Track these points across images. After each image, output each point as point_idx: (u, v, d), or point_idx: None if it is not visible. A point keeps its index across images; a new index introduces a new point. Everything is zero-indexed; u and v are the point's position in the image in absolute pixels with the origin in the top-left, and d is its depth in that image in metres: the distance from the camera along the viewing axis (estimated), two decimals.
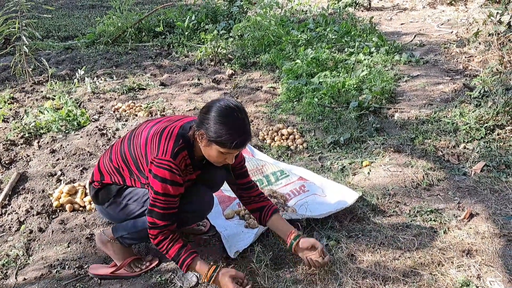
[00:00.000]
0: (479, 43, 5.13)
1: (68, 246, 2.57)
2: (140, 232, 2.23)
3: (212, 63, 5.73)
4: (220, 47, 5.81)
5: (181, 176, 2.05)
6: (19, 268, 2.42)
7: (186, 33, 6.84)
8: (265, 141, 3.68)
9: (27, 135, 3.85)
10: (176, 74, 5.45)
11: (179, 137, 2.07)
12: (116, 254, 2.34)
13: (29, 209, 2.87)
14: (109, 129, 3.93)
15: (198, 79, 5.20)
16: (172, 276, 2.30)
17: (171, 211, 2.06)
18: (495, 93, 3.58)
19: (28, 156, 3.57)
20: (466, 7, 7.74)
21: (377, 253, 2.36)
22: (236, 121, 1.97)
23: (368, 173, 3.11)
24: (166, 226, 2.07)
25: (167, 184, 2.01)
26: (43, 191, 3.09)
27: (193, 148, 2.10)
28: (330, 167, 3.25)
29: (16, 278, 2.35)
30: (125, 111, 4.33)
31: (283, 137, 3.67)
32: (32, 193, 3.05)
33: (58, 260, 2.46)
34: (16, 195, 3.06)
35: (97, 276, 2.33)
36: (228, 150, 1.99)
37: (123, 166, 2.23)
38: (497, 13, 4.71)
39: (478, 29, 5.12)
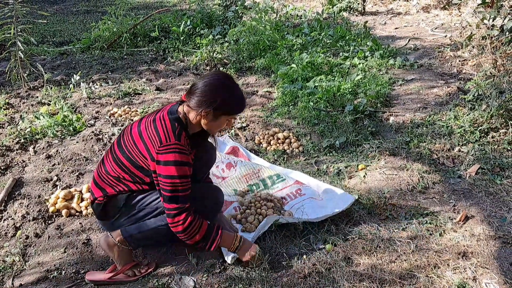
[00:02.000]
0: (473, 47, 5.17)
1: (65, 251, 2.56)
2: (151, 230, 2.26)
3: (208, 68, 5.74)
4: (216, 52, 5.82)
5: (189, 156, 2.15)
6: (16, 274, 2.42)
7: (182, 38, 6.85)
8: (261, 145, 3.69)
9: (22, 140, 3.84)
10: (171, 79, 5.45)
11: (173, 121, 2.16)
12: (119, 258, 2.33)
13: (25, 215, 2.86)
14: (105, 134, 3.93)
15: None
16: (169, 281, 2.30)
17: (189, 192, 2.13)
18: (489, 96, 3.61)
19: (24, 161, 3.56)
20: (459, 11, 7.80)
21: (374, 256, 2.37)
22: (235, 88, 2.21)
23: (364, 176, 3.12)
24: (191, 206, 2.14)
25: (181, 166, 2.08)
26: (39, 196, 3.08)
27: (187, 129, 2.20)
28: (326, 171, 3.26)
29: (12, 284, 2.34)
30: (121, 116, 4.33)
31: (279, 141, 3.68)
32: (28, 198, 3.05)
33: (54, 265, 2.45)
34: (12, 200, 3.05)
35: (95, 282, 2.33)
36: (234, 115, 2.27)
37: (122, 174, 2.24)
38: (490, 17, 4.75)
39: (471, 33, 5.16)
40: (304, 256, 2.39)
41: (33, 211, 2.90)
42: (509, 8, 4.55)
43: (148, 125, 2.18)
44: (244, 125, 4.03)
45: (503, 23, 4.71)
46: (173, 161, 2.07)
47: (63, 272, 2.41)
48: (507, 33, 4.51)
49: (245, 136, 3.83)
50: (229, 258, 2.36)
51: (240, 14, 7.28)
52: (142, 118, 2.30)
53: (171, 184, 2.08)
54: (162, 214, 2.26)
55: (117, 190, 2.28)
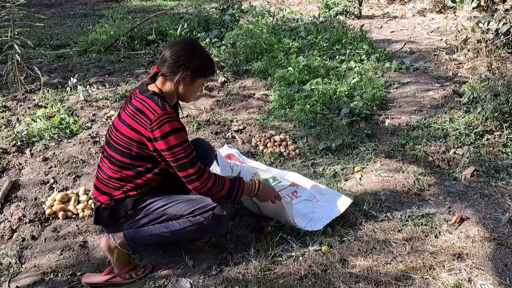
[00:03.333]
0: (468, 50, 5.20)
1: (61, 254, 2.56)
2: (154, 237, 2.27)
3: None
4: (213, 55, 5.83)
5: (180, 121, 2.20)
6: (12, 276, 2.42)
7: None
8: (257, 147, 3.70)
9: (19, 143, 3.84)
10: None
11: (151, 96, 2.19)
12: (118, 261, 2.31)
13: (22, 217, 2.86)
14: (102, 137, 3.93)
15: None
16: (166, 283, 2.31)
17: (194, 153, 2.18)
18: (484, 99, 3.64)
19: (21, 164, 3.56)
20: (455, 15, 7.84)
21: (370, 257, 2.38)
22: (204, 50, 2.29)
23: (360, 178, 3.14)
24: (203, 166, 2.19)
25: (178, 133, 2.12)
26: (35, 199, 3.08)
27: (166, 100, 2.23)
28: (323, 173, 3.27)
29: (9, 286, 2.34)
30: None
31: (276, 143, 3.69)
32: (25, 201, 3.05)
33: (51, 267, 2.45)
34: (9, 203, 3.05)
35: (91, 284, 2.33)
36: (208, 78, 2.37)
37: (124, 172, 2.25)
38: (485, 21, 4.79)
39: (466, 36, 5.19)
40: (300, 258, 2.40)
41: (29, 213, 2.90)
42: (503, 12, 4.59)
43: (130, 113, 2.19)
44: (240, 127, 4.05)
45: (497, 27, 4.75)
46: (170, 130, 2.10)
47: (60, 274, 2.41)
48: (502, 36, 4.55)
49: (241, 138, 3.84)
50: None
51: (237, 18, 7.29)
52: (119, 113, 2.31)
53: (177, 153, 2.11)
54: (166, 222, 2.26)
55: (124, 191, 2.27)
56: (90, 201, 2.98)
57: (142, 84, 2.31)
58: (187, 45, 2.24)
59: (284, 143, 3.68)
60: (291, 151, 3.60)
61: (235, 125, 4.08)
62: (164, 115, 2.11)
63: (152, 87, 2.24)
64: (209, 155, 2.69)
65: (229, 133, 3.96)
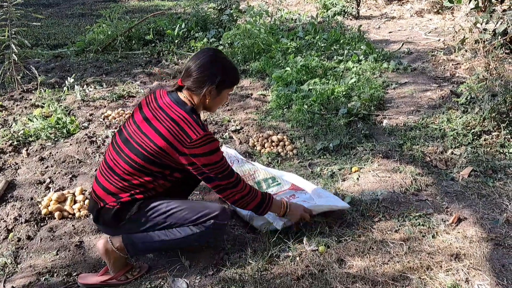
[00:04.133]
0: (466, 51, 5.20)
1: (57, 254, 2.55)
2: (156, 243, 2.25)
3: None
4: None
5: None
6: (7, 276, 2.40)
7: (176, 41, 6.85)
8: (255, 147, 3.69)
9: (15, 143, 3.82)
10: (166, 81, 5.45)
11: (190, 113, 2.20)
12: (114, 264, 2.28)
13: (18, 217, 2.85)
14: (99, 137, 3.92)
15: None
16: (162, 283, 2.29)
17: (230, 165, 2.30)
18: (481, 99, 3.64)
19: (17, 164, 3.54)
20: (452, 16, 7.86)
21: (367, 257, 2.37)
22: (228, 60, 2.31)
23: (357, 178, 3.13)
24: (239, 176, 2.30)
25: (218, 151, 2.21)
26: (31, 198, 3.07)
27: (196, 112, 2.27)
28: (320, 173, 3.26)
29: (4, 286, 2.32)
30: (115, 118, 4.32)
31: (273, 143, 3.68)
32: (21, 201, 3.03)
33: (46, 268, 2.44)
34: (4, 203, 3.03)
35: (87, 285, 2.31)
36: (234, 87, 2.41)
37: (140, 176, 2.20)
38: (483, 21, 4.79)
39: (464, 37, 5.20)
40: (297, 258, 2.40)
41: (25, 213, 2.88)
42: (501, 12, 4.59)
43: (163, 121, 2.17)
44: (238, 127, 4.04)
45: (495, 27, 4.75)
46: (211, 151, 2.16)
47: (55, 274, 2.40)
48: (499, 37, 4.56)
49: (239, 138, 3.83)
50: (279, 224, 2.52)
51: (235, 18, 7.29)
52: (142, 111, 2.27)
53: (218, 167, 2.21)
54: (169, 228, 2.25)
55: (132, 193, 2.22)
56: (86, 201, 2.97)
57: (172, 89, 2.31)
58: (210, 58, 2.22)
59: (281, 143, 3.68)
60: (288, 152, 3.60)
61: (233, 125, 4.07)
62: (206, 136, 2.15)
63: (183, 98, 2.24)
64: None
65: (227, 133, 3.95)
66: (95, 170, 3.38)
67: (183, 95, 2.25)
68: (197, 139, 2.12)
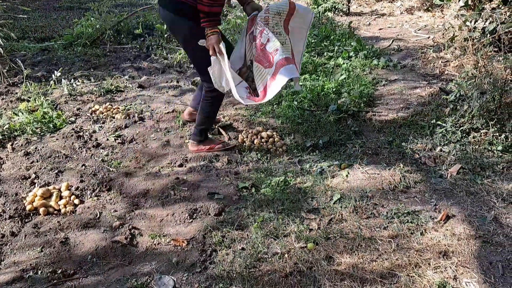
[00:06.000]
0: (455, 48, 5.21)
1: (42, 251, 2.50)
2: (204, 113, 3.38)
3: (192, 66, 5.69)
4: None
5: None
6: None
7: (165, 35, 6.78)
8: (244, 144, 3.66)
9: (0, 137, 3.75)
10: (154, 76, 5.40)
11: None
12: (207, 144, 3.48)
13: (1, 213, 2.79)
14: (86, 132, 3.86)
15: (177, 82, 5.16)
16: (149, 280, 2.27)
17: None
18: (470, 97, 3.65)
19: (1, 158, 3.48)
20: (442, 13, 7.88)
21: (355, 255, 2.37)
22: None
23: (347, 175, 3.12)
24: None
25: None
26: (16, 194, 3.01)
27: None
28: (309, 170, 3.25)
29: None
30: (102, 113, 4.26)
31: (263, 140, 3.66)
32: (5, 196, 2.98)
33: (30, 264, 2.39)
34: None
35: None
36: None
37: None
38: (472, 19, 4.80)
39: (454, 34, 5.20)
40: (286, 255, 2.38)
41: (9, 209, 2.83)
42: (490, 10, 4.61)
43: None
44: (227, 123, 4.00)
45: (484, 25, 4.77)
46: None
47: (39, 271, 2.36)
48: (488, 35, 4.57)
49: (228, 134, 3.80)
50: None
51: (225, 13, 7.24)
52: None
53: None
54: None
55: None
56: (72, 197, 2.92)
57: None
58: None
59: (271, 139, 3.65)
60: (278, 148, 3.58)
61: (222, 121, 4.04)
62: None
63: None
64: None
65: (216, 129, 3.91)
66: (82, 166, 3.33)
67: None
68: None
